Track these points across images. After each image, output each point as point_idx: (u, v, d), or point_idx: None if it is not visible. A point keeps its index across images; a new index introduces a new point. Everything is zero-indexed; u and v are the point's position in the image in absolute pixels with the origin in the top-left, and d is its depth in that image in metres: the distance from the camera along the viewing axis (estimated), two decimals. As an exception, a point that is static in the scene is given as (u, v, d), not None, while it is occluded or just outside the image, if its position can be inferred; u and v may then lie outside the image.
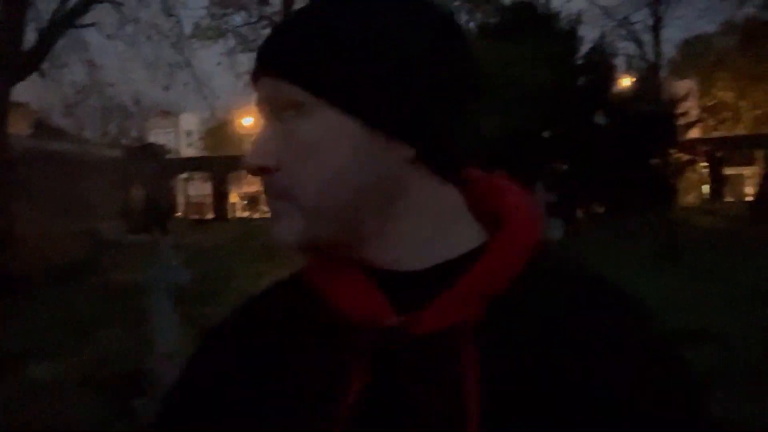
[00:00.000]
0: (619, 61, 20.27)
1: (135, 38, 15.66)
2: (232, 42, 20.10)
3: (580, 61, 14.96)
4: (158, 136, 30.43)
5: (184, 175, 28.24)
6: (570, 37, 14.88)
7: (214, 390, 0.52)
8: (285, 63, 0.48)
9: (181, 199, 29.08)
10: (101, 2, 14.64)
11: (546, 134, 14.03)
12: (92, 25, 14.75)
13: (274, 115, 0.49)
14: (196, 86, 17.32)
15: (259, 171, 0.49)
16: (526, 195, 0.54)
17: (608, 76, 15.15)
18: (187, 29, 18.07)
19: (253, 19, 19.81)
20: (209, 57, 20.78)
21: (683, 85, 21.41)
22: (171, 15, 15.70)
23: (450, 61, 0.49)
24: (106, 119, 23.82)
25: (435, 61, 0.48)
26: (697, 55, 21.99)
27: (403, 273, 0.49)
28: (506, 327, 0.47)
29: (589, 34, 23.23)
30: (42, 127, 19.14)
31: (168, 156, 26.27)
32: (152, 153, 23.01)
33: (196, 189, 30.43)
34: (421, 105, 0.47)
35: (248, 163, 0.49)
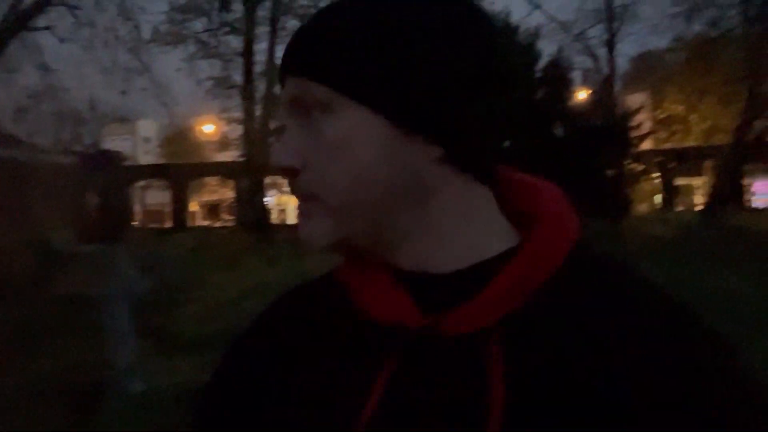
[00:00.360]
0: (576, 75, 20.91)
1: (91, 42, 15.22)
2: (192, 48, 19.77)
3: (538, 74, 15.34)
4: (115, 142, 29.60)
5: (141, 183, 27.52)
6: (529, 50, 15.25)
7: (243, 391, 0.53)
8: (309, 62, 0.48)
9: (138, 208, 28.30)
10: (55, 5, 14.21)
11: (506, 144, 14.31)
12: (46, 28, 14.29)
13: (299, 116, 0.49)
14: (155, 92, 16.94)
15: (284, 172, 0.49)
16: (562, 195, 0.52)
17: (566, 88, 15.58)
18: (146, 34, 17.67)
19: (214, 26, 19.55)
20: (169, 63, 20.37)
21: (636, 99, 22.18)
22: (129, 19, 15.36)
23: (475, 57, 0.48)
24: (60, 125, 23.01)
25: (459, 57, 0.47)
26: (649, 70, 22.90)
27: (432, 275, 0.49)
28: (534, 330, 0.45)
29: (547, 48, 23.95)
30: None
31: (125, 163, 25.56)
32: (108, 160, 22.31)
33: (154, 197, 29.68)
34: (448, 102, 0.46)
35: (273, 163, 0.49)
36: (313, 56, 0.48)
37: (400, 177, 0.47)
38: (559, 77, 15.30)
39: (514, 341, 0.45)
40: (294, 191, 0.50)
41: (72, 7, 14.43)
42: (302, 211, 0.50)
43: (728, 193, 18.87)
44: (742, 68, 17.71)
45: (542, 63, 15.74)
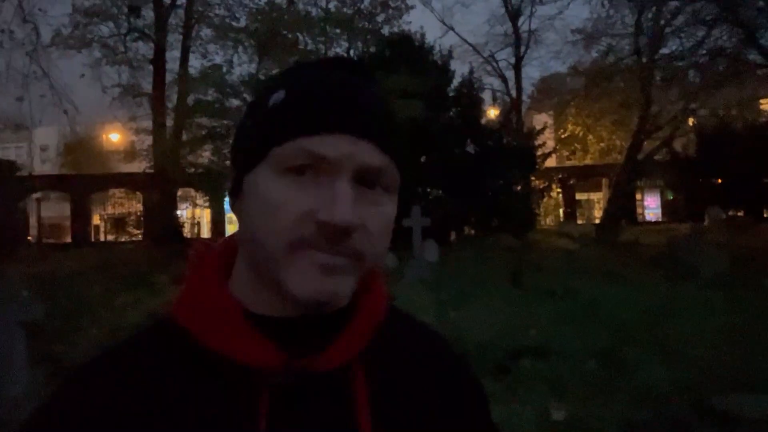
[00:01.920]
0: (486, 95, 21.96)
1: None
2: (98, 53, 18.75)
3: (452, 93, 15.94)
4: (7, 150, 27.33)
5: (37, 195, 25.53)
6: (443, 70, 15.82)
7: None
8: (392, 145, 0.54)
9: (33, 222, 26.20)
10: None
11: (423, 160, 14.70)
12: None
13: (355, 180, 0.51)
14: (54, 99, 15.86)
15: (346, 229, 0.49)
16: None
17: (477, 108, 16.26)
18: (46, 38, 16.56)
19: (123, 31, 18.67)
20: (72, 68, 19.17)
21: (541, 119, 23.60)
22: (27, 21, 14.34)
23: None
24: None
25: None
26: (552, 93, 24.45)
27: (288, 319, 0.54)
28: (383, 363, 0.57)
29: (459, 69, 24.96)
30: None
31: (18, 173, 23.61)
32: (-1, 170, 20.56)
33: (52, 210, 27.61)
34: None
35: (343, 220, 0.48)
36: (393, 140, 0.54)
37: None
38: (471, 96, 15.97)
39: (371, 373, 0.55)
40: (342, 247, 0.50)
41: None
42: (334, 267, 0.50)
43: (622, 207, 20.50)
44: (633, 94, 19.34)
45: (456, 82, 16.40)
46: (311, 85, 0.53)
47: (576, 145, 27.62)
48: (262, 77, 14.35)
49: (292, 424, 0.51)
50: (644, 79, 18.33)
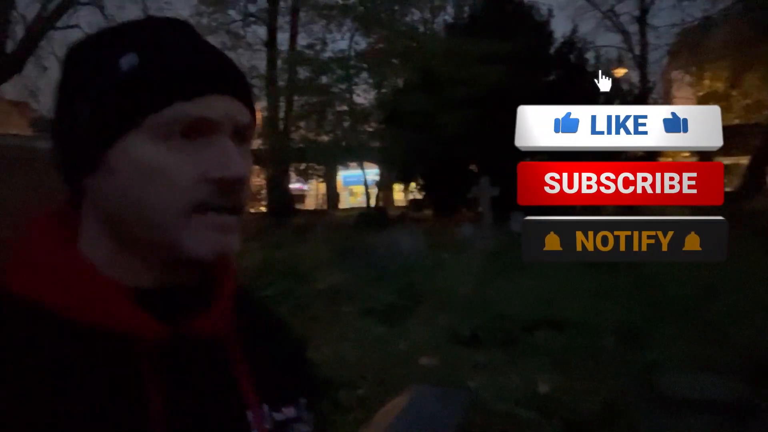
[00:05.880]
0: (607, 53, 20.25)
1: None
2: (221, 39, 20.31)
3: (553, 55, 14.97)
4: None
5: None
6: (541, 30, 14.90)
7: None
8: (248, 92, 0.57)
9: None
10: (84, 4, 14.99)
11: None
12: (74, 26, 15.12)
13: (229, 134, 0.53)
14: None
15: (238, 182, 0.53)
16: None
17: (582, 70, 15.12)
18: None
19: (239, 17, 20.04)
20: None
21: (674, 76, 21.21)
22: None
23: None
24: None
25: None
26: (687, 46, 21.80)
27: (155, 289, 0.55)
28: (243, 329, 0.60)
29: (580, 27, 23.16)
30: (43, 125, 19.53)
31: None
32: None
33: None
34: None
35: (237, 174, 0.52)
36: (248, 87, 0.56)
37: None
38: (574, 58, 14.88)
39: (242, 341, 0.59)
40: (233, 202, 0.53)
41: (99, 6, 15.19)
42: (229, 226, 0.53)
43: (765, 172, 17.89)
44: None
45: (560, 42, 15.35)
46: (170, 47, 0.52)
47: (720, 102, 24.47)
48: (352, 53, 14.67)
49: (182, 392, 0.52)
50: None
